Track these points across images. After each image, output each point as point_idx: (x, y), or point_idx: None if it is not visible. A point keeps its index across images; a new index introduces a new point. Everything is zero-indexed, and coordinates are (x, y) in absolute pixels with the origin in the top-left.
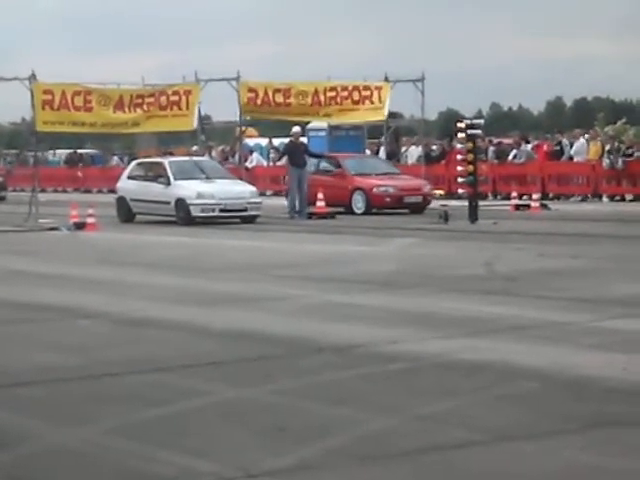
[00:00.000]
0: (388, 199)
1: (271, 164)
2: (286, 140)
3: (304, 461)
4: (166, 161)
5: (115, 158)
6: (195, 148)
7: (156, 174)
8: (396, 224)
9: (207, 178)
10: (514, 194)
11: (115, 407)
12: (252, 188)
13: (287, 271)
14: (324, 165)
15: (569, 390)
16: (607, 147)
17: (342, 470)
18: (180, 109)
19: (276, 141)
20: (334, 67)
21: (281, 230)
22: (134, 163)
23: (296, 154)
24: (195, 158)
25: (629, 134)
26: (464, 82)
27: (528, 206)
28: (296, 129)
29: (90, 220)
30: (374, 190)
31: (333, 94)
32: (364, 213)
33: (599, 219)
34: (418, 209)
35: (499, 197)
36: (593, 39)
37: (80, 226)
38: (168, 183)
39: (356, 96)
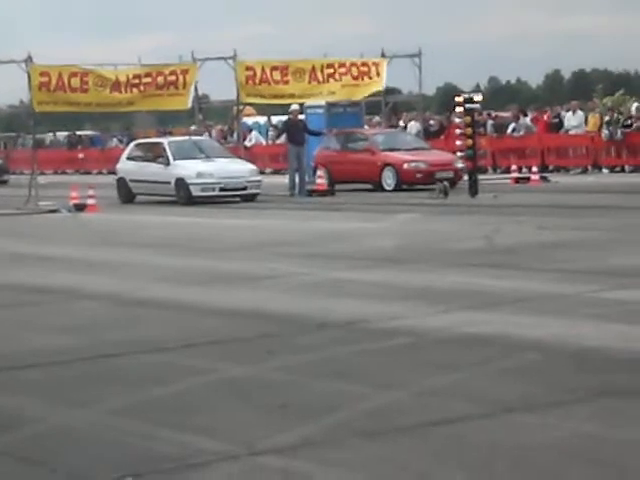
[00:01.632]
0: (419, 175)
1: (270, 142)
2: (284, 118)
3: (308, 437)
4: (165, 141)
5: (114, 139)
6: (194, 127)
7: (155, 154)
8: (396, 200)
9: (206, 157)
10: (514, 167)
11: (118, 387)
12: (252, 166)
13: (288, 249)
14: (352, 141)
15: (572, 361)
16: (606, 118)
17: (346, 446)
18: (177, 88)
19: (275, 119)
20: (330, 45)
21: (281, 208)
22: (133, 144)
23: (295, 131)
24: (194, 138)
25: (628, 106)
26: (462, 57)
27: (528, 179)
28: (294, 107)
29: (90, 201)
30: (404, 166)
31: (331, 71)
32: (394, 189)
33: (599, 191)
34: (450, 185)
35: (499, 171)
36: (590, 13)
37: (80, 208)
38: (168, 163)
39: (355, 72)
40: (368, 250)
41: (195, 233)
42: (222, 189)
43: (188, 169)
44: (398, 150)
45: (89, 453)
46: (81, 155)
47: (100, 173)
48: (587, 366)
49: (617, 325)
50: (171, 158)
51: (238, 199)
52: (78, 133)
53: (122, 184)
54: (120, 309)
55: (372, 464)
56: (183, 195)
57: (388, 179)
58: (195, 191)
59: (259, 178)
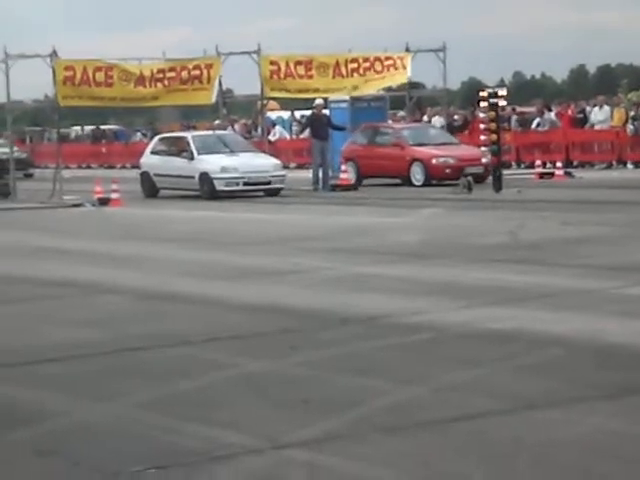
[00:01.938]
0: (448, 170)
1: (294, 137)
2: (308, 112)
3: (330, 432)
4: (189, 135)
5: (138, 134)
6: (217, 122)
7: (179, 149)
8: (420, 195)
9: (230, 152)
10: (538, 162)
11: (141, 381)
12: (276, 161)
13: (311, 243)
14: (380, 136)
15: (596, 358)
16: (631, 113)
17: (369, 440)
18: (201, 83)
19: (298, 114)
20: (354, 39)
21: (305, 202)
22: (157, 138)
23: (319, 126)
24: (218, 132)
25: None
26: (486, 51)
27: (552, 174)
28: (319, 101)
29: (114, 196)
30: (433, 161)
31: (355, 65)
32: (423, 185)
33: (624, 186)
34: (479, 180)
35: (523, 166)
36: (615, 8)
37: (104, 202)
38: (192, 157)
39: (378, 66)
40: (391, 245)
41: (219, 228)
42: (246, 183)
43: (212, 163)
44: (427, 145)
45: (112, 446)
46: (104, 149)
47: (124, 167)
48: (611, 362)
49: None
50: (195, 152)
51: (262, 194)
52: (102, 127)
53: (146, 178)
54: (144, 303)
55: (394, 459)
56: (207, 189)
57: (417, 174)
58: (219, 185)
59: (283, 173)
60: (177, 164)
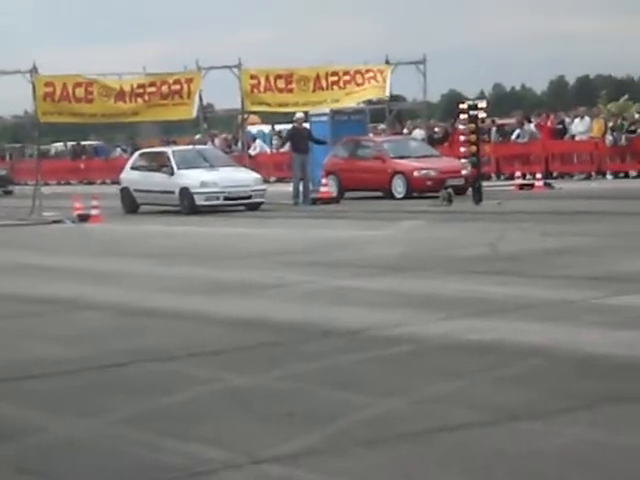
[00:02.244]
0: (430, 182)
1: (274, 151)
2: (288, 126)
3: (310, 446)
4: (169, 150)
5: (118, 149)
6: (198, 137)
7: (160, 164)
8: (401, 207)
9: (211, 166)
10: (518, 174)
11: (122, 397)
12: (256, 175)
13: (292, 257)
14: (362, 149)
15: (575, 368)
16: (610, 124)
17: (349, 454)
18: (181, 97)
19: (279, 127)
20: (335, 52)
21: (285, 216)
22: (137, 153)
23: (299, 140)
24: (198, 147)
25: (631, 112)
26: (466, 63)
27: (532, 185)
28: (299, 115)
29: (94, 212)
30: (415, 173)
31: (335, 78)
32: (405, 197)
33: (603, 197)
34: (460, 192)
35: (503, 177)
36: (592, 18)
37: (84, 218)
38: (172, 173)
39: (359, 79)
40: (372, 258)
41: (199, 242)
42: (226, 198)
43: (192, 178)
44: (408, 157)
45: (94, 463)
46: (84, 165)
47: (104, 183)
48: (591, 373)
49: (621, 332)
50: (175, 167)
51: (242, 208)
52: (82, 143)
53: (126, 194)
54: (124, 319)
55: (375, 472)
56: (187, 204)
57: (398, 187)
58: (199, 200)
59: (263, 187)
60: (157, 179)
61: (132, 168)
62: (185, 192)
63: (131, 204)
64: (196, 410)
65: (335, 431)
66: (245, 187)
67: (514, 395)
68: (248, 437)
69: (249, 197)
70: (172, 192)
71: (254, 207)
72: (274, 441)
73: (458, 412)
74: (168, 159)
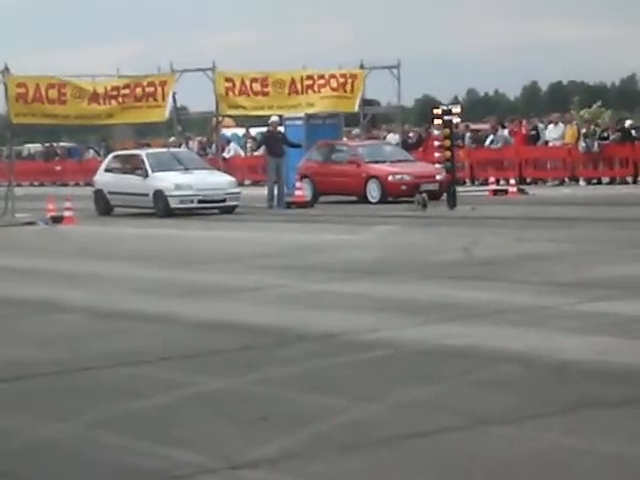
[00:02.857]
0: (404, 187)
1: (249, 154)
2: (263, 129)
3: (286, 450)
4: (143, 153)
5: (91, 151)
6: (172, 139)
7: (133, 166)
8: (375, 212)
9: (185, 169)
10: (492, 179)
11: (96, 400)
12: (230, 178)
13: (267, 261)
14: (336, 153)
15: (550, 374)
16: (583, 131)
17: (325, 458)
18: (155, 100)
19: (253, 131)
20: (309, 56)
21: (260, 220)
22: (111, 156)
23: (274, 143)
24: (172, 149)
25: (604, 117)
26: (440, 69)
27: (506, 191)
28: (274, 118)
29: (67, 214)
30: (389, 178)
31: (310, 82)
32: (379, 202)
33: (576, 203)
34: (434, 197)
35: (477, 183)
36: (565, 25)
37: (57, 220)
38: (146, 175)
39: (334, 83)
40: (346, 262)
41: (174, 245)
42: (201, 201)
43: (166, 181)
44: (383, 162)
45: (66, 467)
46: (58, 167)
47: (77, 185)
48: (565, 378)
49: (595, 337)
50: (149, 170)
51: (217, 211)
52: (55, 145)
53: (100, 196)
54: (98, 322)
55: (350, 476)
56: (161, 207)
57: (373, 191)
58: (173, 203)
59: (238, 190)
60: (131, 182)
61: (106, 170)
62: (159, 195)
63: (105, 206)
64: (171, 414)
65: (311, 435)
66: (219, 190)
67: (489, 400)
68: (224, 441)
69: (223, 200)
70: (146, 195)
71: (228, 210)
72: (250, 445)
73: (434, 417)
74: (142, 161)
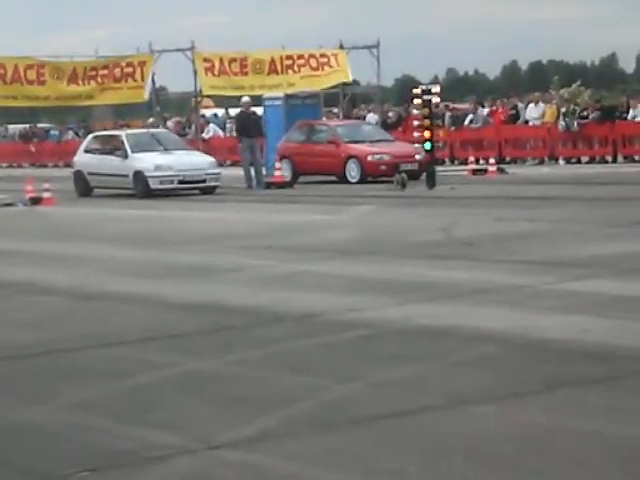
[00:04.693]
0: (384, 167)
1: (228, 134)
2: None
3: (266, 430)
4: (123, 134)
5: (70, 132)
6: (151, 120)
7: (113, 147)
8: (355, 192)
9: (165, 150)
10: (471, 159)
11: (75, 382)
12: (210, 159)
13: (246, 241)
14: (316, 133)
15: (529, 353)
16: (562, 110)
17: (304, 438)
18: (135, 80)
19: (233, 111)
20: (288, 36)
21: (239, 201)
22: (91, 136)
23: (247, 124)
24: (152, 130)
25: (584, 96)
26: (420, 48)
27: (485, 171)
28: (246, 99)
29: (46, 195)
30: (369, 158)
31: (290, 62)
32: (359, 182)
33: (556, 182)
34: (414, 176)
35: (456, 162)
36: (545, 3)
37: (36, 201)
38: (126, 156)
39: (314, 63)
40: (326, 242)
41: (153, 226)
42: (181, 182)
43: (146, 162)
44: (362, 142)
45: (44, 448)
46: (35, 148)
47: (56, 166)
48: (544, 357)
49: (573, 316)
50: (129, 151)
51: (197, 192)
52: (36, 125)
53: (79, 177)
54: (78, 303)
55: (329, 456)
56: (141, 188)
57: (352, 171)
58: (153, 184)
59: (218, 170)
60: (111, 163)
61: (85, 151)
62: (139, 175)
63: (84, 187)
64: (148, 395)
65: (290, 415)
66: (200, 171)
67: (468, 379)
68: (202, 422)
69: (204, 181)
70: (126, 175)
71: (208, 191)
72: (227, 426)
73: (413, 396)
74: (122, 142)
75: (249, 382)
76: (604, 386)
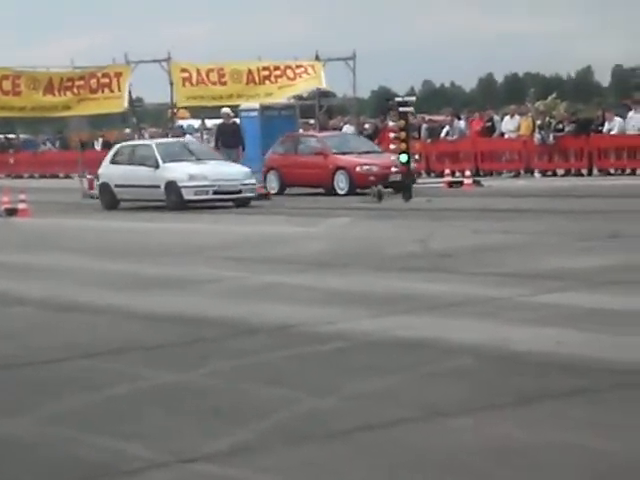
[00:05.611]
0: (372, 178)
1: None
2: (219, 121)
3: (238, 444)
4: (153, 143)
5: (47, 143)
6: (127, 131)
7: (142, 157)
8: (330, 204)
9: (197, 159)
10: (447, 171)
11: (46, 394)
12: (246, 169)
13: (221, 253)
14: (304, 144)
15: (504, 365)
16: (538, 122)
17: (278, 451)
18: (112, 91)
19: (209, 122)
20: (264, 48)
21: (215, 213)
22: (117, 147)
23: (227, 135)
24: (182, 139)
25: (560, 109)
26: (396, 60)
27: (461, 183)
28: (226, 110)
29: (22, 206)
30: (357, 169)
31: (266, 73)
32: (347, 193)
33: (531, 194)
34: (401, 188)
35: (433, 175)
36: (521, 16)
37: (11, 212)
38: (157, 166)
39: (290, 74)
40: (302, 255)
41: (129, 238)
42: (216, 192)
43: (179, 171)
44: (350, 153)
45: (16, 461)
46: (12, 159)
47: (32, 177)
48: (519, 369)
49: (548, 329)
50: (160, 160)
51: (231, 204)
52: (10, 136)
53: (105, 190)
54: (49, 314)
55: (304, 469)
56: (174, 199)
57: (341, 183)
58: (187, 195)
59: (253, 181)
60: (140, 173)
61: (112, 162)
62: (172, 186)
63: (111, 200)
64: (121, 407)
65: (264, 428)
66: (235, 181)
67: (443, 392)
68: (176, 435)
69: (239, 192)
70: (157, 186)
71: (244, 203)
72: (200, 439)
73: (388, 409)
74: (152, 152)
75: (224, 394)
76: (579, 398)
